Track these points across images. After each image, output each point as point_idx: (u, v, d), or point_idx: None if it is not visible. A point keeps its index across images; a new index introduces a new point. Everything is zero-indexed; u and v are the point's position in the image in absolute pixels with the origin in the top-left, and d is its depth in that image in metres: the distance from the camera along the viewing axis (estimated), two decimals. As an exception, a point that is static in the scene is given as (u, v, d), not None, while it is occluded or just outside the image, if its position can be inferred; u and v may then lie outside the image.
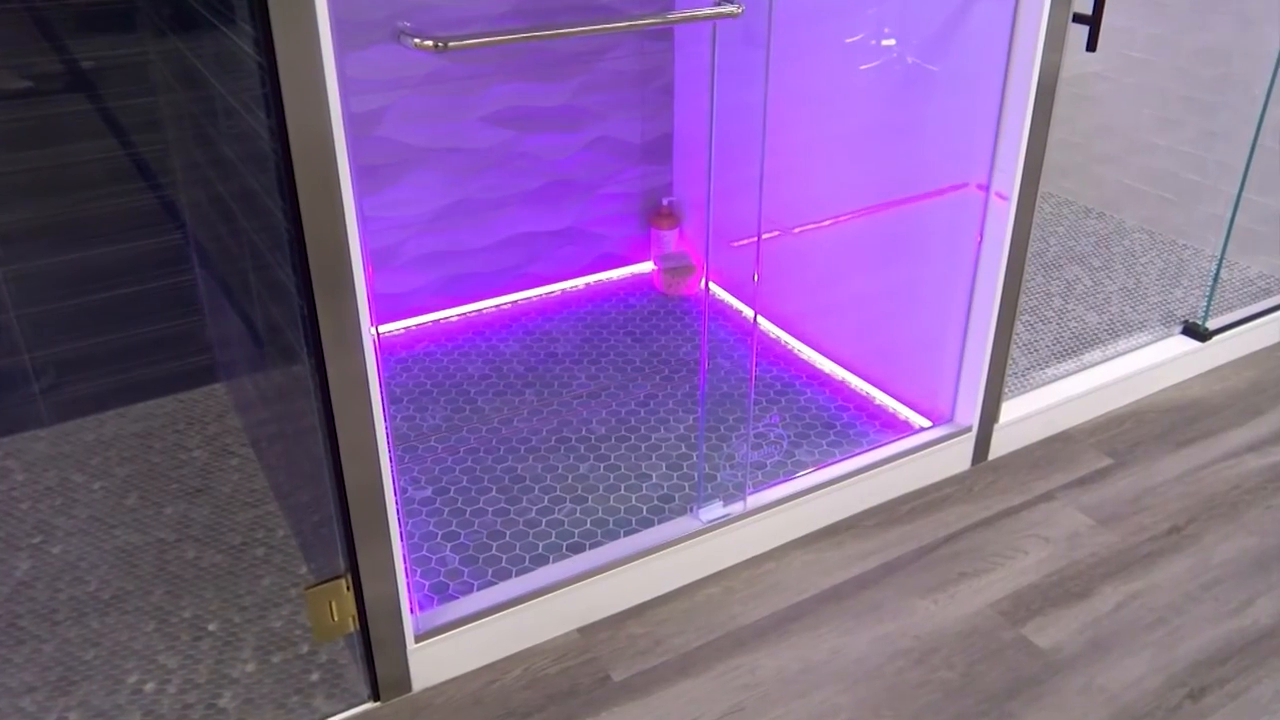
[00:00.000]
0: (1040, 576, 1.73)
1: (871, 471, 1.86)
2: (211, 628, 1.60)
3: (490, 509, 1.81)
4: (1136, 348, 2.30)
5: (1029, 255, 1.86)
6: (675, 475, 1.90)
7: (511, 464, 1.92)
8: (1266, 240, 2.65)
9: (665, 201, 2.57)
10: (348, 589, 1.40)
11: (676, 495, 1.84)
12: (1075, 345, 2.32)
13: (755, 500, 1.75)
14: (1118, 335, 2.37)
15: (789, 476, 1.83)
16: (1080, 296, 2.57)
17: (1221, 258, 2.53)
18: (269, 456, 1.90)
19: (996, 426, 2.00)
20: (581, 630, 1.62)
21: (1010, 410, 2.03)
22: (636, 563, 1.64)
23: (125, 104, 1.94)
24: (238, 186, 1.51)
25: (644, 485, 1.87)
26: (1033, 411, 2.06)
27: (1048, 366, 2.22)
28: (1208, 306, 2.42)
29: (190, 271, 2.11)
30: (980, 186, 1.80)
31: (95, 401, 2.12)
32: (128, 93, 1.93)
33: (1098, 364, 2.23)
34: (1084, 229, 2.96)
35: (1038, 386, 2.14)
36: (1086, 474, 2.00)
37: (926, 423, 2.01)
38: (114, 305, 2.06)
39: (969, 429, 1.96)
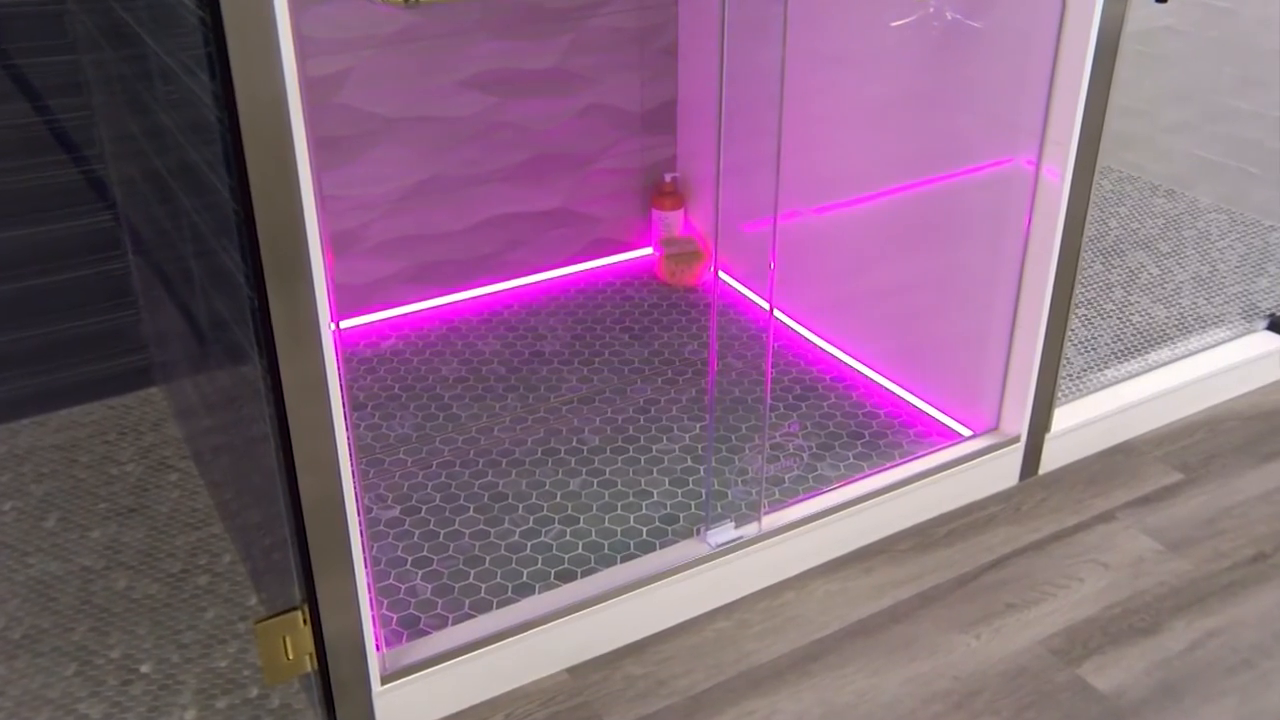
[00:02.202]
0: (1099, 609, 1.74)
1: (905, 488, 1.88)
2: (144, 669, 1.60)
3: (467, 531, 1.82)
4: (1212, 345, 2.31)
5: (1086, 240, 1.87)
6: (680, 492, 1.91)
7: (492, 479, 1.93)
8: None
9: (668, 178, 2.58)
10: (304, 623, 1.41)
11: (681, 515, 1.85)
12: (1139, 343, 2.33)
13: (771, 521, 1.77)
14: (1189, 331, 2.37)
15: (810, 494, 1.84)
16: (1145, 287, 2.58)
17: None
18: (213, 471, 1.91)
19: (1048, 436, 2.01)
20: (572, 670, 1.63)
21: (1064, 418, 2.04)
22: (635, 593, 1.65)
23: (39, 61, 1.93)
24: (177, 160, 1.52)
25: (644, 504, 1.88)
26: (1090, 419, 2.07)
27: (1107, 367, 2.23)
28: (1296, 298, 2.43)
29: (122, 258, 2.11)
30: (1029, 161, 1.81)
31: (8, 408, 2.12)
32: (42, 48, 1.92)
33: (1166, 364, 2.24)
34: (1150, 209, 2.97)
35: (1096, 390, 2.15)
36: (1153, 491, 2.01)
37: (968, 432, 2.02)
38: (31, 296, 2.06)
39: (1016, 439, 1.98)
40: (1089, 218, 1.84)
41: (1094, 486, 2.02)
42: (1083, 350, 2.30)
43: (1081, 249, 1.86)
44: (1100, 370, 2.22)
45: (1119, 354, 2.29)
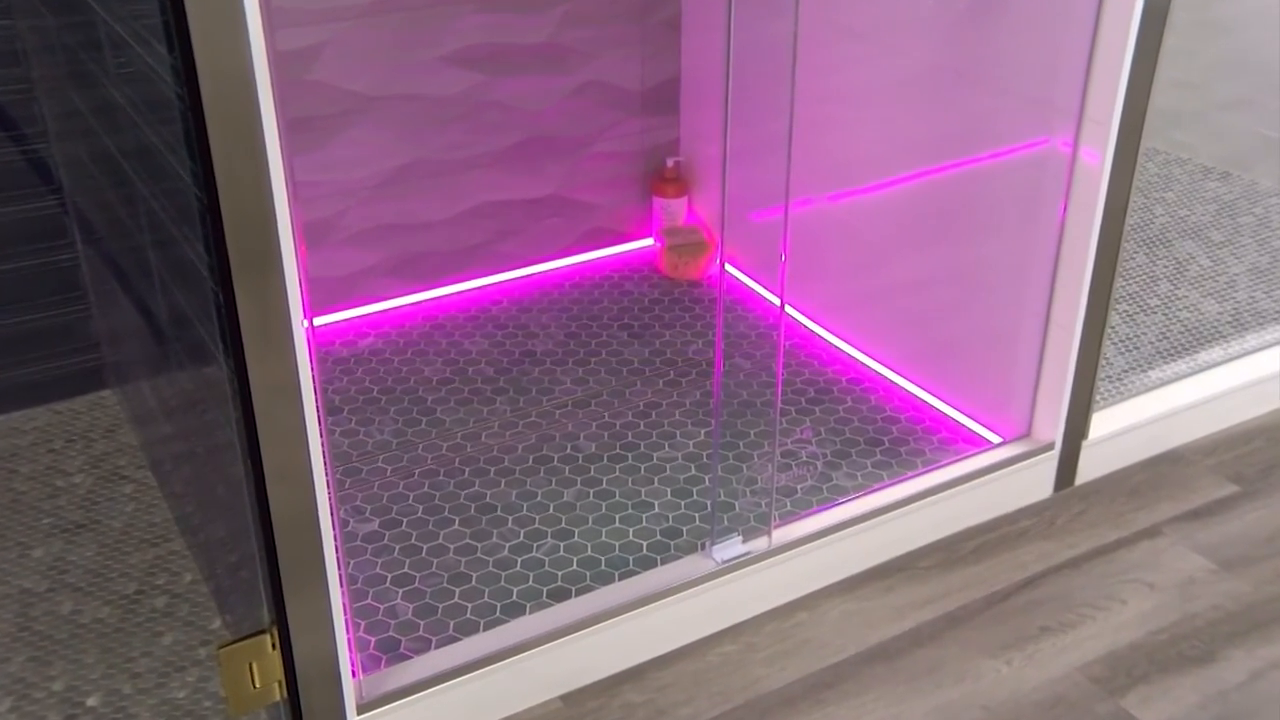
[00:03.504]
0: (1144, 634, 1.75)
1: (928, 499, 1.89)
2: (91, 702, 1.59)
3: (452, 546, 1.83)
4: (1271, 344, 2.32)
5: (1128, 229, 1.88)
6: (683, 503, 1.92)
7: (479, 489, 1.95)
8: None
9: (671, 163, 2.59)
10: (273, 647, 1.42)
11: (684, 529, 1.87)
12: (1188, 341, 2.34)
13: (782, 535, 1.78)
14: (1245, 329, 2.38)
15: (825, 506, 1.86)
16: (1195, 280, 2.59)
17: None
18: (173, 482, 1.92)
19: (1085, 443, 2.02)
20: (566, 698, 1.64)
21: (1103, 423, 2.05)
22: (634, 613, 1.66)
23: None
24: (131, 141, 1.52)
25: (644, 516, 1.89)
26: (1133, 424, 2.08)
27: (1152, 368, 2.24)
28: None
29: (70, 248, 2.11)
30: (1066, 143, 1.82)
31: (-53, 413, 2.14)
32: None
33: (1218, 365, 2.25)
34: (1202, 194, 2.97)
35: (1139, 393, 2.15)
36: (1204, 504, 2.01)
37: (997, 438, 2.04)
38: (-31, 291, 2.08)
39: (1050, 446, 1.99)
40: (1131, 204, 1.85)
41: (1137, 499, 2.03)
42: (1124, 349, 2.31)
43: (1123, 238, 1.87)
44: (1144, 371, 2.23)
45: (1165, 353, 2.30)
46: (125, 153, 1.58)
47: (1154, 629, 1.75)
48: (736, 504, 1.89)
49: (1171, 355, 2.29)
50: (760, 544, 1.75)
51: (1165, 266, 2.64)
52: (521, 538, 1.84)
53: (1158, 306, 2.47)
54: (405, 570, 1.78)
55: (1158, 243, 2.74)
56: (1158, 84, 1.77)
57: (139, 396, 2.04)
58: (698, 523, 1.87)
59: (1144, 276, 2.60)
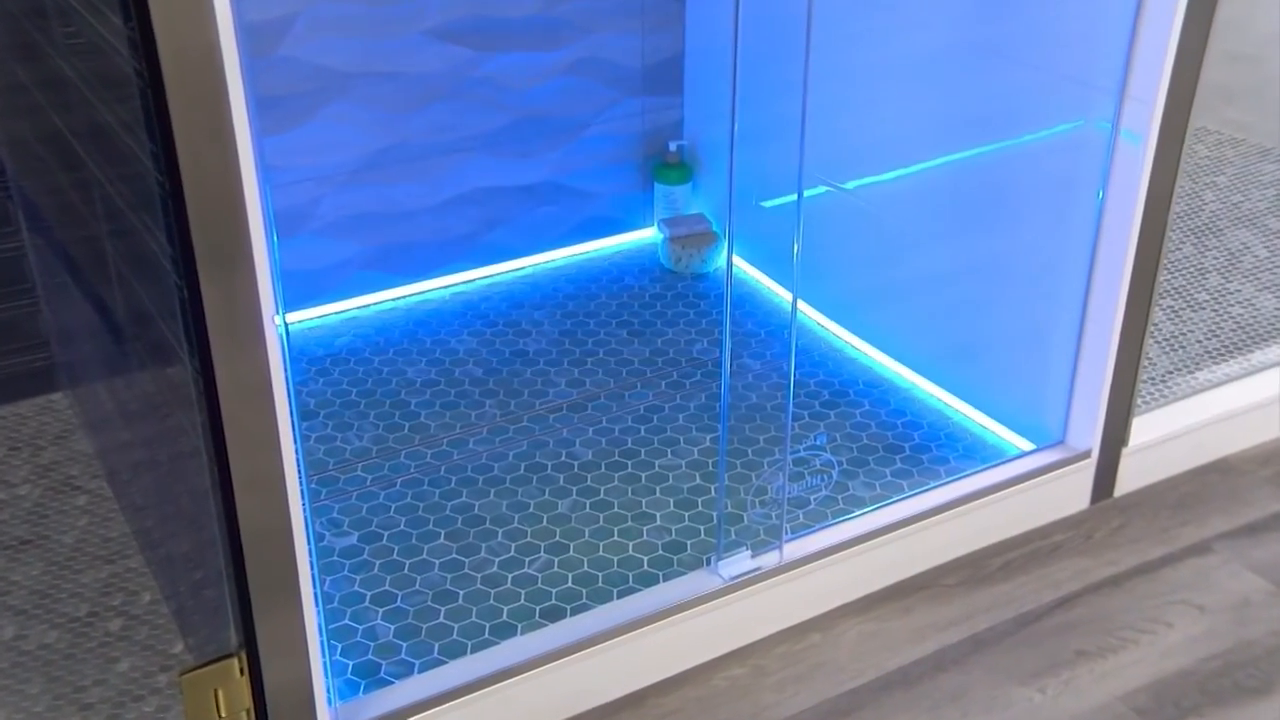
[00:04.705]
0: (1194, 660, 1.74)
1: (952, 511, 1.89)
2: (36, 736, 1.60)
3: (437, 561, 1.84)
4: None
5: (1174, 216, 1.88)
6: (687, 515, 1.93)
7: (466, 500, 1.96)
8: None
9: (674, 146, 2.60)
10: (241, 673, 1.42)
11: (689, 543, 1.88)
12: (1240, 340, 2.34)
13: (794, 550, 1.78)
14: (1304, 326, 2.39)
15: (840, 518, 1.87)
16: (1250, 272, 2.59)
17: None
18: (131, 493, 1.92)
19: (1125, 451, 2.02)
20: (559, 727, 1.66)
21: (1145, 429, 2.05)
22: (634, 634, 1.67)
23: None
24: (84, 120, 1.52)
25: (645, 529, 1.90)
26: (1178, 431, 2.08)
27: (1200, 369, 2.24)
28: None
29: (14, 237, 2.11)
30: (1105, 122, 1.83)
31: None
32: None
33: (1274, 365, 2.25)
34: (1257, 177, 2.97)
35: (1185, 396, 2.16)
36: (1259, 519, 2.01)
37: (1028, 445, 2.04)
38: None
39: (1086, 454, 1.99)
40: (1178, 189, 1.85)
41: (1183, 512, 2.03)
42: (1169, 348, 2.31)
43: (1168, 227, 1.87)
44: (1190, 372, 2.23)
45: (1214, 353, 2.30)
46: (76, 133, 1.59)
47: (1205, 655, 1.75)
48: (745, 516, 1.89)
49: (1222, 355, 2.29)
50: (770, 559, 1.76)
51: (1216, 258, 2.64)
52: (512, 552, 1.85)
53: (1207, 301, 2.48)
54: (386, 588, 1.79)
55: (1207, 232, 2.74)
56: (1209, 57, 1.76)
57: (93, 400, 2.04)
58: (703, 536, 1.88)
59: (1192, 269, 2.60)
